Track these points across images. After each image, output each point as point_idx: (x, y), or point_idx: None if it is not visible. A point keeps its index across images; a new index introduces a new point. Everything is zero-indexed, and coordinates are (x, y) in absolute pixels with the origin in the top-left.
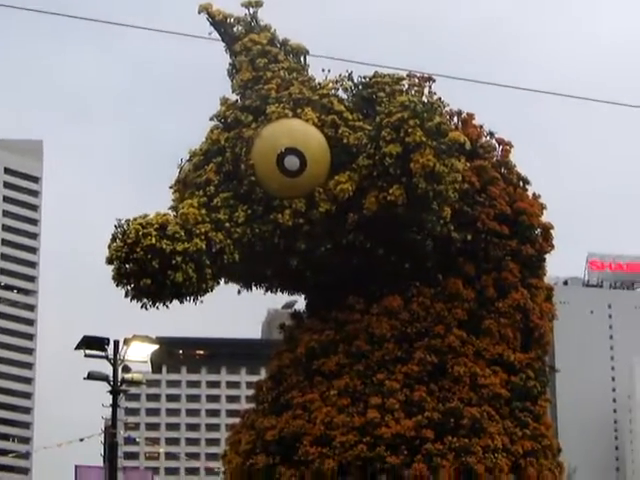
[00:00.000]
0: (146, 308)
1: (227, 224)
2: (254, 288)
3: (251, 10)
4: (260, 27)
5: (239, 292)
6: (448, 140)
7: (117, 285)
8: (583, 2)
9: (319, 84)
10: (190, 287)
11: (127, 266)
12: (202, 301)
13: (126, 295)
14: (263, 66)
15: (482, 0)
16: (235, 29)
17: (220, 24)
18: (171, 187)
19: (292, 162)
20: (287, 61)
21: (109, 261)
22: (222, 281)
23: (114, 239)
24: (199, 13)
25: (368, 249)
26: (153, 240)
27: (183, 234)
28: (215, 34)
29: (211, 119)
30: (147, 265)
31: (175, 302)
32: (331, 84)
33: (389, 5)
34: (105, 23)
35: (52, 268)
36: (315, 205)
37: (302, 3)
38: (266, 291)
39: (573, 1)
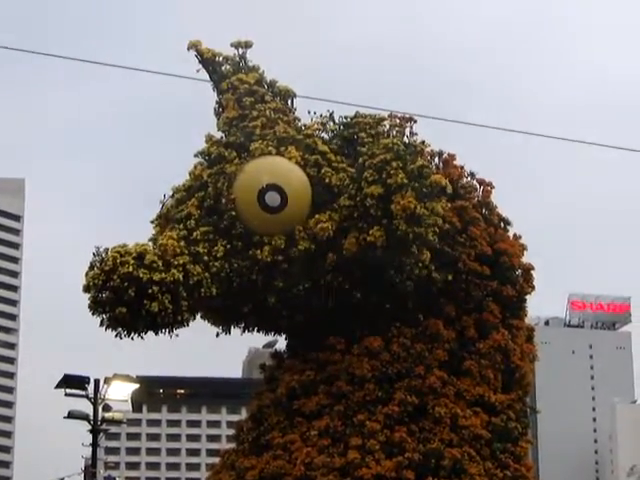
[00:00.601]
0: (120, 337)
1: (206, 257)
2: (232, 328)
3: (240, 50)
4: (248, 67)
5: (217, 335)
6: (430, 183)
7: (92, 313)
8: (565, 40)
9: (304, 125)
10: (165, 318)
11: (103, 294)
12: (177, 335)
13: (101, 324)
14: (249, 105)
15: (466, 35)
16: (223, 68)
17: (208, 62)
18: (152, 222)
19: (273, 198)
20: (274, 102)
21: (85, 289)
22: (199, 316)
23: (92, 267)
24: (188, 50)
25: (346, 290)
26: (130, 268)
27: (161, 264)
28: (202, 71)
29: (195, 156)
30: (123, 293)
31: (150, 334)
32: (316, 125)
33: (373, 42)
34: (84, 62)
35: (33, 306)
36: (295, 243)
37: (288, 43)
38: (243, 330)
39: (554, 37)
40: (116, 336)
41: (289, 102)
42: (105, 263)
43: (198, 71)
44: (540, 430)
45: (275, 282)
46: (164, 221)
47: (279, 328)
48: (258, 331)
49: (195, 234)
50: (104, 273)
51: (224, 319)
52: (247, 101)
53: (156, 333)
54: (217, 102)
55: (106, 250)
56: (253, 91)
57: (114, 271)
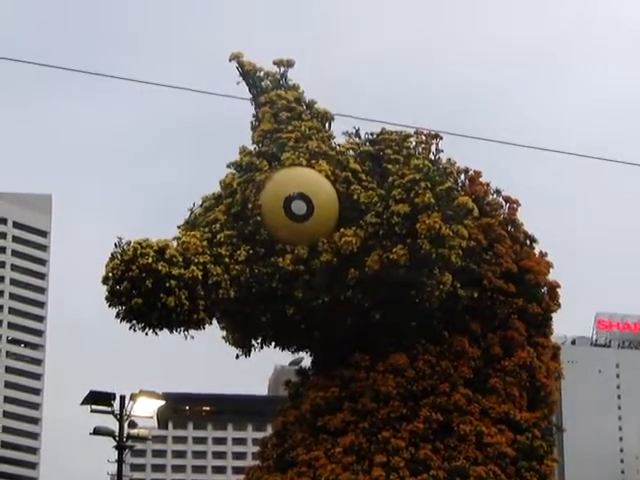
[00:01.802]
0: (135, 330)
1: (227, 260)
2: (251, 342)
3: (282, 69)
4: (288, 85)
5: (237, 357)
6: (456, 205)
7: (109, 305)
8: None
9: (339, 145)
10: (181, 315)
11: (121, 285)
12: (192, 336)
13: (117, 316)
14: (286, 120)
15: (490, 57)
16: (263, 83)
17: (249, 75)
18: (179, 227)
19: (299, 207)
20: (310, 121)
21: (104, 280)
22: (216, 323)
23: (112, 258)
24: (230, 61)
25: (365, 309)
26: (150, 260)
27: (181, 260)
28: (242, 84)
29: (228, 166)
30: (140, 284)
31: (165, 332)
32: (349, 145)
33: (399, 64)
34: (110, 77)
35: (60, 322)
36: (317, 255)
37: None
38: (262, 344)
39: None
40: (130, 328)
41: (326, 125)
42: (125, 253)
43: (238, 83)
44: (566, 449)
45: (295, 292)
46: (190, 227)
47: (298, 344)
48: (276, 346)
49: (219, 237)
50: (124, 263)
51: (242, 328)
52: (284, 116)
53: (170, 331)
54: (254, 115)
55: (128, 242)
56: (291, 108)
57: (133, 261)
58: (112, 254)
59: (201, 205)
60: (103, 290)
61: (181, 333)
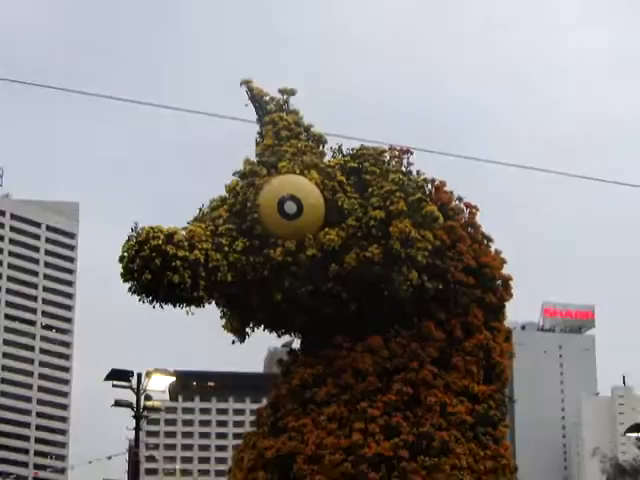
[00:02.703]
0: (143, 302)
1: (226, 248)
2: (245, 326)
3: (285, 96)
4: (289, 110)
5: (233, 342)
6: (425, 213)
7: (124, 280)
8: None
9: (329, 161)
10: (184, 291)
11: (134, 263)
12: (193, 313)
13: (129, 290)
14: (285, 137)
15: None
16: (268, 106)
17: (256, 98)
18: (188, 222)
19: (290, 207)
20: (306, 141)
21: (120, 259)
22: (218, 311)
23: (128, 240)
24: (240, 86)
25: (343, 300)
26: (160, 242)
27: (186, 244)
28: (249, 108)
29: (233, 174)
30: (150, 263)
31: (170, 306)
32: (336, 161)
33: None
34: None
35: (86, 311)
36: (304, 249)
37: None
38: (254, 327)
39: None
40: (139, 301)
41: (320, 146)
42: (139, 236)
43: (246, 105)
44: (516, 418)
45: (283, 281)
46: (198, 222)
47: (285, 327)
48: (266, 328)
49: (221, 229)
50: (137, 244)
51: (237, 312)
52: (283, 134)
53: (174, 305)
54: (258, 132)
55: (142, 227)
56: (290, 128)
57: (145, 243)
58: (128, 236)
59: (209, 205)
60: (119, 268)
61: (183, 309)
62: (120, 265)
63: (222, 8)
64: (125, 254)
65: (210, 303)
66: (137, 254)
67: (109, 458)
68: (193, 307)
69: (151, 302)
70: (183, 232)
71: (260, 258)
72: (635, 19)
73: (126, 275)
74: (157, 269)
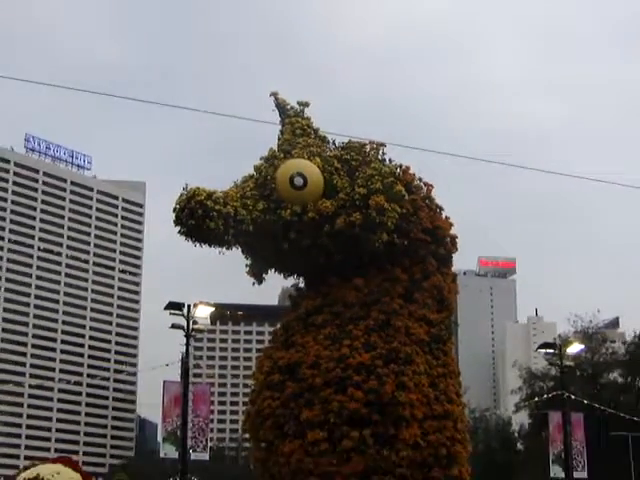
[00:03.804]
0: (188, 241)
1: (250, 207)
2: (262, 272)
3: (301, 107)
4: (303, 116)
5: (253, 284)
6: (395, 192)
7: (175, 225)
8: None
9: (329, 153)
10: (217, 235)
11: (183, 213)
12: (223, 253)
13: (178, 232)
14: (299, 134)
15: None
16: (289, 112)
17: (280, 106)
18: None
19: (298, 181)
20: (314, 139)
21: (174, 209)
22: (239, 248)
23: (180, 196)
24: (270, 96)
25: (333, 252)
26: (202, 198)
27: (222, 201)
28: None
29: (260, 159)
30: (194, 212)
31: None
32: (334, 152)
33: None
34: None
35: (151, 256)
36: (306, 212)
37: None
38: (267, 271)
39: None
40: (185, 240)
41: (324, 143)
42: (188, 193)
43: (273, 110)
44: (459, 338)
45: (290, 234)
46: (232, 188)
47: (291, 270)
48: (277, 271)
49: (247, 194)
50: (186, 199)
51: (255, 257)
52: (298, 132)
53: (209, 245)
54: (280, 130)
55: (190, 188)
56: (304, 129)
57: (192, 198)
58: (180, 194)
59: (241, 179)
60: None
61: (216, 249)
62: (173, 214)
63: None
64: (177, 206)
65: (237, 248)
66: (185, 206)
67: (167, 365)
68: (224, 249)
69: (194, 243)
70: (220, 193)
71: (274, 216)
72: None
73: (177, 221)
74: (199, 217)
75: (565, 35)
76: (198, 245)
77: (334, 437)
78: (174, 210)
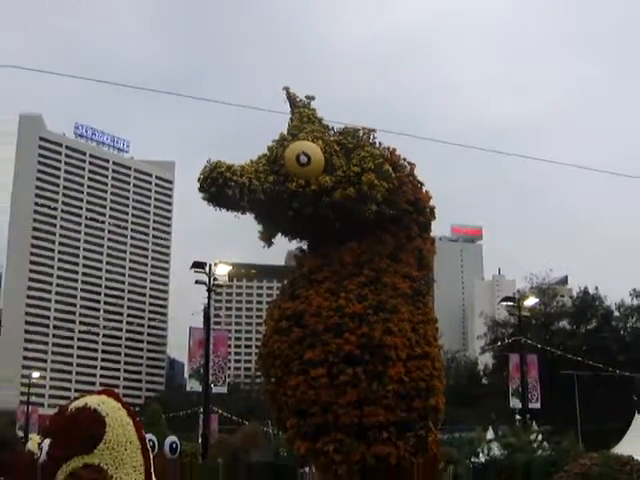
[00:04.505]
0: (209, 205)
1: (262, 179)
2: (271, 235)
3: (307, 100)
4: (309, 107)
5: (263, 247)
6: (384, 170)
7: (200, 191)
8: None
9: (330, 138)
10: (234, 202)
11: (206, 182)
12: (238, 217)
13: (202, 198)
14: (306, 121)
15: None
16: (298, 103)
17: (291, 98)
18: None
19: (303, 159)
20: (319, 126)
21: (198, 179)
22: (253, 215)
23: (204, 167)
24: (283, 90)
25: (331, 219)
26: (222, 169)
27: (239, 173)
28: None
29: (273, 141)
30: (215, 181)
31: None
32: (334, 137)
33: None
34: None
35: (179, 224)
36: (309, 185)
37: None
38: (275, 233)
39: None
40: (207, 205)
41: (326, 129)
42: (211, 165)
43: (285, 102)
44: (436, 293)
45: (294, 204)
46: (248, 163)
47: (296, 235)
48: (283, 235)
49: (260, 168)
50: (209, 170)
51: (265, 223)
52: (305, 120)
53: (227, 210)
54: (290, 119)
55: (213, 161)
56: (310, 118)
57: (214, 170)
58: (205, 166)
59: (257, 158)
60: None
61: (232, 213)
62: (198, 183)
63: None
64: (201, 176)
65: (251, 213)
66: (208, 176)
67: (192, 314)
68: (240, 213)
69: (214, 207)
70: (238, 166)
71: (282, 187)
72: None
73: (201, 189)
74: (219, 186)
75: (527, 37)
76: (218, 209)
77: (332, 373)
78: (198, 179)
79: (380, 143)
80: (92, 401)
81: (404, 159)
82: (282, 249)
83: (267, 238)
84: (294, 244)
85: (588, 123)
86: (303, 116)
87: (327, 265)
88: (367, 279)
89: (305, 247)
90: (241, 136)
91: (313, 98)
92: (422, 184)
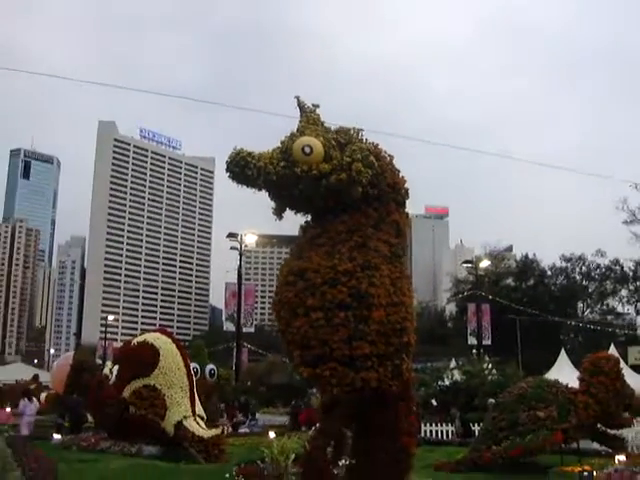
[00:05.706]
0: (233, 182)
1: (275, 164)
2: (281, 210)
3: (313, 106)
4: (315, 112)
5: (276, 219)
6: (369, 161)
7: (226, 171)
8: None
9: (330, 136)
10: (252, 180)
11: (231, 164)
12: (255, 193)
13: (228, 177)
14: (312, 123)
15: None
16: (306, 109)
17: (301, 105)
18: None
19: (307, 150)
20: (322, 127)
21: (226, 162)
22: (267, 194)
23: (230, 154)
24: (294, 98)
25: (327, 198)
26: (244, 154)
27: (257, 158)
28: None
29: (285, 136)
30: (238, 163)
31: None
32: (333, 135)
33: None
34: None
35: (219, 205)
36: (311, 170)
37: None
38: (285, 208)
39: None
40: (232, 182)
41: (328, 131)
42: (236, 151)
43: (295, 108)
44: (414, 259)
45: (299, 185)
46: (264, 152)
47: (302, 210)
48: (292, 210)
49: (274, 155)
50: (234, 154)
51: (276, 199)
52: (311, 122)
53: (247, 186)
54: (299, 120)
55: (238, 149)
56: (315, 120)
57: (238, 154)
58: (231, 152)
59: (272, 149)
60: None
61: (251, 189)
62: (225, 164)
63: None
64: (228, 159)
65: (266, 191)
66: (233, 159)
67: (227, 272)
68: (257, 190)
69: (237, 184)
70: (257, 153)
71: (290, 171)
72: None
73: (227, 169)
74: (241, 167)
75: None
76: (240, 186)
77: (328, 317)
78: (226, 162)
79: (367, 139)
80: (150, 337)
81: (385, 151)
82: (296, 224)
83: (278, 213)
84: (300, 217)
85: (531, 122)
86: (310, 119)
87: (325, 233)
88: (356, 244)
89: (309, 219)
90: (266, 139)
91: (318, 106)
92: (399, 171)
